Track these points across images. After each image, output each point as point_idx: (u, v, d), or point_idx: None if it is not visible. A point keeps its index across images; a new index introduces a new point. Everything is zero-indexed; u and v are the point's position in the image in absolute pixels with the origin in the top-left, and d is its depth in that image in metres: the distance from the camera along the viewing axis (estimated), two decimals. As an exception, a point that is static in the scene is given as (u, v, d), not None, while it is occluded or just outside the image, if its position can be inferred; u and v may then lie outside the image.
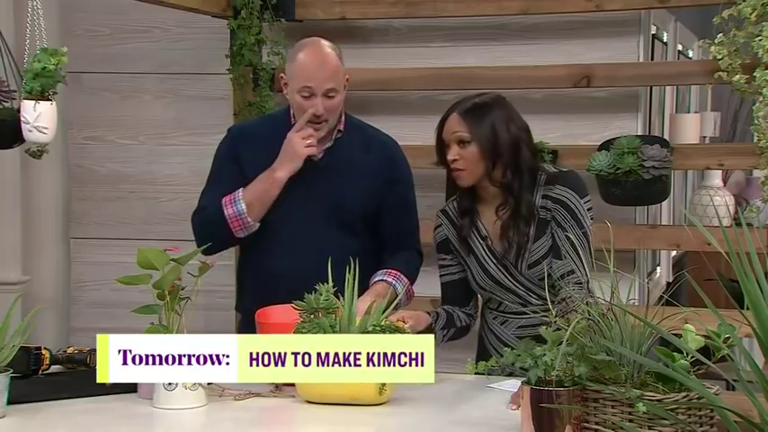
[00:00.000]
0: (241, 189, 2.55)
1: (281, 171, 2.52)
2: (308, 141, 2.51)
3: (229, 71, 3.66)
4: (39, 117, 2.28)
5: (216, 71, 3.74)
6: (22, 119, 2.30)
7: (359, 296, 2.16)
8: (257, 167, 2.57)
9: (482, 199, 2.48)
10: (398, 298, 2.42)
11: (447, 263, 2.55)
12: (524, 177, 2.40)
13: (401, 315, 2.33)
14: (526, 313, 2.37)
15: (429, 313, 2.50)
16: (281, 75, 2.62)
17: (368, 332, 2.07)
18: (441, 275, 2.57)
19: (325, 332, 2.06)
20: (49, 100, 2.29)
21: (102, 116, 4.00)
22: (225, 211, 2.53)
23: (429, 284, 3.65)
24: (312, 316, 2.14)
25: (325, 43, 2.56)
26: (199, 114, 3.89)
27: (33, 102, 2.27)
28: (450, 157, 2.42)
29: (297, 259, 2.54)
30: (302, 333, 2.07)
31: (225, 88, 3.72)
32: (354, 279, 2.13)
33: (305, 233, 2.56)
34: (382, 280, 2.52)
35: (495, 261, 2.46)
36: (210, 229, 2.53)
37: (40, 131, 2.29)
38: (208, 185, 2.67)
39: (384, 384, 2.07)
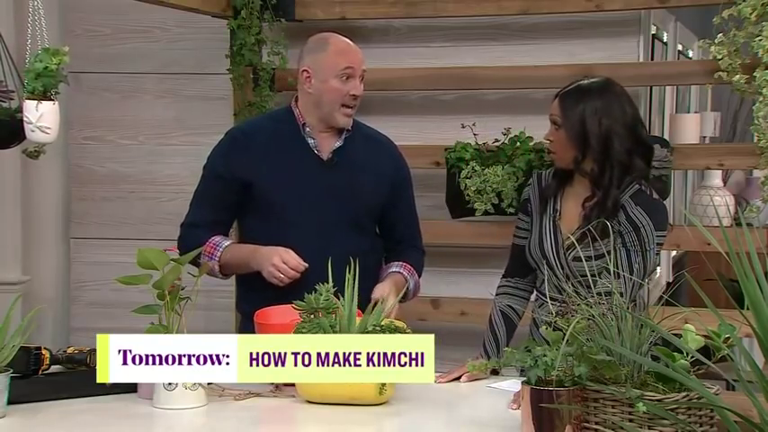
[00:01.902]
0: (221, 248, 2.54)
1: (257, 267, 2.49)
2: (280, 276, 2.44)
3: (229, 71, 3.66)
4: (41, 117, 2.28)
5: (216, 71, 3.74)
6: (24, 119, 2.30)
7: (359, 294, 2.16)
8: (259, 165, 2.58)
9: (573, 179, 2.47)
10: (407, 297, 2.61)
11: (521, 225, 2.56)
12: (614, 172, 2.37)
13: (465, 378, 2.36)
14: (557, 301, 2.34)
15: (485, 347, 2.50)
16: (305, 69, 2.57)
17: (368, 332, 2.07)
18: (514, 235, 2.59)
19: (325, 332, 2.06)
20: (51, 100, 2.29)
21: (102, 116, 4.00)
22: (202, 257, 2.50)
23: (429, 284, 3.66)
24: (312, 316, 2.14)
25: None
26: (199, 114, 3.89)
27: (36, 102, 2.27)
28: (545, 136, 2.48)
29: (304, 258, 2.51)
30: (302, 333, 2.07)
31: (225, 88, 3.72)
32: (354, 279, 2.13)
33: (312, 232, 2.55)
34: (400, 272, 2.61)
35: (552, 236, 2.45)
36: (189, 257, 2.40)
37: (43, 131, 2.29)
38: (195, 199, 2.68)
39: (384, 384, 2.07)
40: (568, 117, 2.39)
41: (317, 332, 2.06)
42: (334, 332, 2.07)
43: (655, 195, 2.44)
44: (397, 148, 2.76)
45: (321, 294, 2.15)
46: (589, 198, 2.41)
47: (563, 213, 2.47)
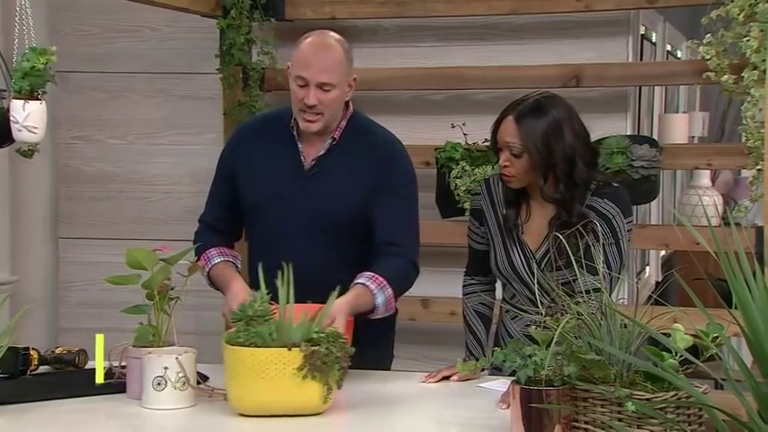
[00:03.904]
0: (210, 264, 2.50)
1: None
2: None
3: (219, 71, 3.65)
4: (28, 117, 2.27)
5: (205, 71, 3.73)
6: (11, 118, 2.29)
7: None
8: (249, 162, 2.53)
9: (528, 195, 2.42)
10: (375, 312, 2.33)
11: (475, 230, 2.53)
12: (578, 190, 2.34)
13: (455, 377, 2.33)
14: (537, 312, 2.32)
15: (469, 349, 2.48)
16: (288, 64, 2.50)
17: (311, 339, 1.99)
18: (469, 237, 2.55)
19: (264, 340, 1.98)
20: (38, 99, 2.28)
21: (91, 116, 3.98)
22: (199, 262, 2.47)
23: (419, 284, 3.65)
24: (248, 324, 2.03)
25: (335, 36, 2.46)
26: (188, 114, 3.88)
27: (22, 101, 2.26)
28: (501, 162, 2.37)
29: (276, 272, 2.46)
30: (239, 342, 2.00)
31: (215, 88, 3.72)
32: (289, 285, 2.04)
33: (284, 245, 2.46)
34: (365, 285, 2.33)
35: (520, 252, 2.42)
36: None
37: (30, 131, 2.28)
38: (209, 194, 2.64)
39: (329, 392, 2.01)
40: (531, 142, 2.29)
41: (254, 341, 1.99)
42: (273, 340, 1.99)
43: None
44: (405, 155, 2.54)
45: (255, 302, 2.05)
46: (554, 217, 2.37)
47: (526, 227, 2.43)
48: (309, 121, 2.42)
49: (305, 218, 2.47)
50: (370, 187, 2.45)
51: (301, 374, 1.95)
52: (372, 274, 2.35)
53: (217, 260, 2.53)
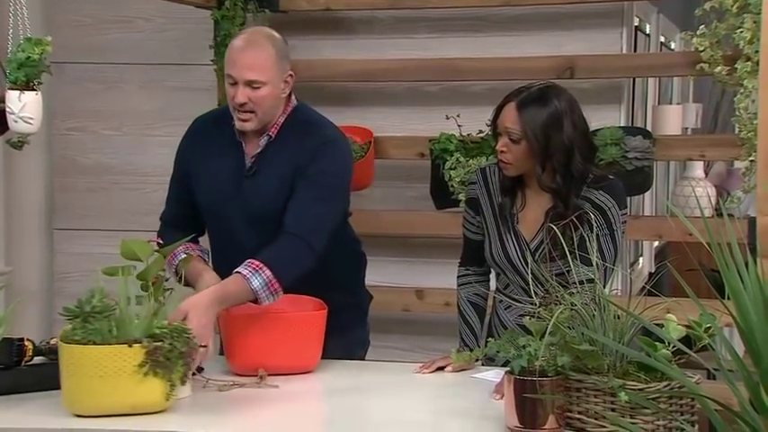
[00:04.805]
0: (176, 260, 2.42)
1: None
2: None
3: (213, 62, 3.65)
4: (24, 107, 2.27)
5: (200, 62, 3.73)
6: (7, 109, 2.29)
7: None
8: (199, 160, 2.53)
9: (525, 184, 2.43)
10: (258, 299, 2.26)
11: (470, 219, 2.52)
12: (574, 182, 2.34)
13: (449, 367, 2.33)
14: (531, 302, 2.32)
15: (463, 340, 2.49)
16: None
17: (153, 335, 1.95)
18: (464, 227, 2.55)
19: (103, 337, 1.93)
20: (33, 90, 2.28)
21: (86, 107, 3.98)
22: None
23: (414, 275, 3.67)
24: (86, 321, 1.96)
25: (266, 33, 2.44)
26: (183, 105, 3.86)
27: (18, 92, 2.26)
28: (498, 147, 2.37)
29: (226, 271, 2.38)
30: (75, 339, 1.93)
31: (209, 79, 3.71)
32: (126, 283, 2.00)
33: (233, 241, 2.48)
34: (238, 272, 2.27)
35: (515, 242, 2.43)
36: (172, 248, 2.35)
37: (26, 122, 2.28)
38: (168, 191, 2.65)
39: (173, 389, 1.96)
40: (531, 130, 2.30)
41: (92, 338, 1.93)
42: (113, 337, 1.94)
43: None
44: (341, 150, 2.49)
45: (94, 297, 2.00)
46: (550, 208, 2.37)
47: (521, 217, 2.43)
48: (243, 121, 2.41)
49: (247, 216, 2.46)
50: (296, 174, 2.42)
51: (142, 371, 1.90)
52: (250, 260, 2.29)
53: (183, 255, 2.48)
